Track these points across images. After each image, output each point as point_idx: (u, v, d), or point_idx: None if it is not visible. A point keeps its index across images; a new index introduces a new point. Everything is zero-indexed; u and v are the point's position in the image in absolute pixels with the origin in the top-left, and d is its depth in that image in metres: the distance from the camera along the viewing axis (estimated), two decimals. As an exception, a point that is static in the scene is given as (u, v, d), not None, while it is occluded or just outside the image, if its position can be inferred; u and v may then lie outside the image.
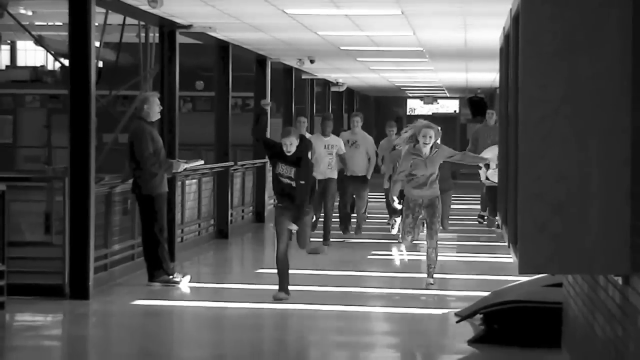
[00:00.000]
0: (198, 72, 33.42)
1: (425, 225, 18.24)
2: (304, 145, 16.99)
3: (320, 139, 24.74)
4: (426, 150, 18.31)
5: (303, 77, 37.92)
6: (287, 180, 16.31)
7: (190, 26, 21.27)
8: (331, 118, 25.95)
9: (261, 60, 29.69)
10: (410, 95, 56.23)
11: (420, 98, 57.48)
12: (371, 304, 15.43)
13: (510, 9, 9.79)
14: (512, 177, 9.17)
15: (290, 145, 16.16)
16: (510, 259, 9.84)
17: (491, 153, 21.25)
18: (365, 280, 18.27)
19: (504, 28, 11.24)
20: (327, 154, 24.60)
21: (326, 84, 43.70)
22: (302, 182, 16.27)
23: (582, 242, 8.15)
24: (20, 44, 31.27)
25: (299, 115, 29.41)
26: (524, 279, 12.67)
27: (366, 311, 12.84)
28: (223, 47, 25.76)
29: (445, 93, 53.81)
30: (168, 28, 21.24)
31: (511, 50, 9.86)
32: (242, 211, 27.77)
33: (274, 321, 14.85)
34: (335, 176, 25.18)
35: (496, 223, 23.59)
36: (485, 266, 19.59)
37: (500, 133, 12.23)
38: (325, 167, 24.37)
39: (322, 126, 25.30)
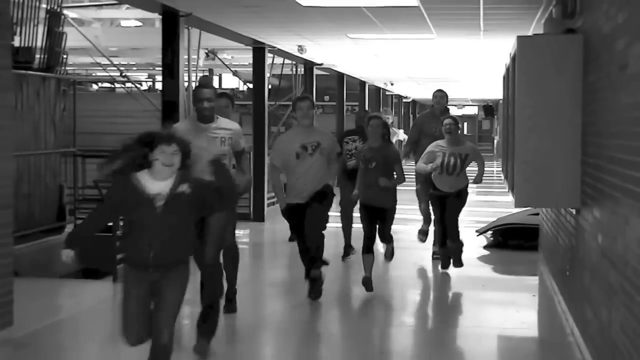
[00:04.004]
0: (326, 90, 33.31)
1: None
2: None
3: (198, 127, 7.46)
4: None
5: (387, 93, 37.81)
6: None
7: (322, 64, 21.32)
8: (210, 85, 7.86)
9: (362, 83, 29.61)
10: (449, 104, 55.79)
11: (454, 105, 56.90)
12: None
13: (510, 53, 9.74)
14: (511, 151, 9.15)
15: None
16: (509, 199, 9.76)
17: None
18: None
19: (505, 64, 11.17)
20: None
21: (400, 97, 43.57)
22: None
23: (551, 189, 8.13)
24: (224, 75, 31.37)
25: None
26: (516, 210, 12.59)
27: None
28: (340, 75, 25.79)
29: (469, 102, 53.35)
30: (309, 65, 21.33)
31: (510, 77, 9.81)
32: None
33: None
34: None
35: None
36: (495, 203, 19.44)
37: (504, 126, 12.18)
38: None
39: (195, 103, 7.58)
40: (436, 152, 10.72)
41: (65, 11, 16.03)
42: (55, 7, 14.57)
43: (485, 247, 13.13)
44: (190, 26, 14.19)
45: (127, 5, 18.18)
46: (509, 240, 13.10)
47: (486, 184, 26.94)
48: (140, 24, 21.83)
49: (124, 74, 22.63)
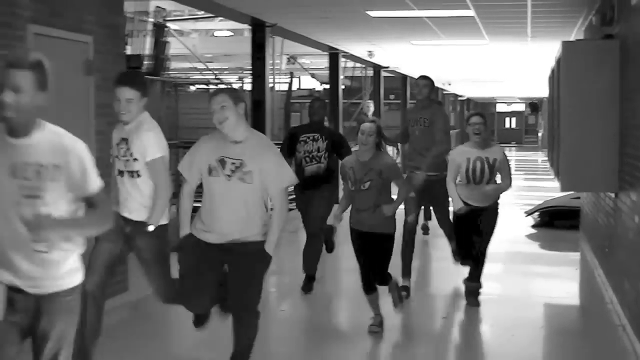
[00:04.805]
0: (392, 90, 33.20)
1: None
2: None
3: (4, 144, 3.44)
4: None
5: (444, 92, 37.53)
6: None
7: (387, 67, 21.23)
8: (24, 64, 3.30)
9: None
10: (498, 101, 55.15)
11: (504, 102, 56.25)
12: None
13: (555, 56, 9.60)
14: (557, 142, 9.03)
15: None
16: (554, 184, 9.61)
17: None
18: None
19: (551, 67, 11.01)
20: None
21: (456, 96, 43.21)
22: None
23: (592, 175, 8.01)
24: (303, 77, 31.46)
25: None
26: (560, 194, 12.43)
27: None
28: (404, 77, 25.66)
29: (517, 100, 52.74)
30: (377, 68, 21.26)
31: (555, 77, 9.67)
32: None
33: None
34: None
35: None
36: (541, 188, 19.19)
37: (549, 121, 12.02)
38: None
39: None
40: (458, 162, 7.44)
41: (168, 24, 16.23)
42: (160, 21, 14.78)
43: (533, 227, 12.99)
44: (275, 35, 14.25)
45: (221, 18, 18.33)
46: (554, 221, 12.95)
47: (533, 171, 26.68)
48: (231, 33, 21.98)
49: (217, 77, 22.85)
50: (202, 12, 17.77)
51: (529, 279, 9.38)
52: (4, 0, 6.01)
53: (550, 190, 16.48)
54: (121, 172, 5.37)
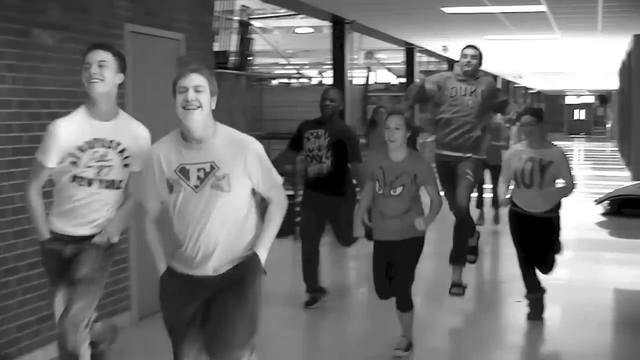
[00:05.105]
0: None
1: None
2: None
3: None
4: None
5: (515, 85, 37.00)
6: None
7: (461, 61, 21.04)
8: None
9: (494, 77, 29.09)
10: (568, 93, 54.07)
11: (574, 94, 55.10)
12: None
13: (626, 50, 9.39)
14: (628, 133, 8.84)
15: None
16: (624, 174, 9.37)
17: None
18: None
19: (622, 60, 10.78)
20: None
21: (526, 88, 42.59)
22: None
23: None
24: (379, 71, 31.44)
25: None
26: (630, 183, 12.16)
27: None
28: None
29: (585, 92, 51.68)
30: (451, 62, 21.06)
31: (626, 70, 9.46)
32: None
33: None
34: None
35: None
36: (610, 177, 18.75)
37: (619, 112, 11.77)
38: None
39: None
40: (511, 163, 6.28)
41: (252, 21, 16.36)
42: (245, 19, 14.91)
43: (602, 215, 12.74)
44: (354, 31, 14.24)
45: (302, 15, 18.40)
46: (622, 209, 12.68)
47: (601, 161, 26.11)
48: (312, 30, 22.04)
49: (298, 72, 22.97)
50: (284, 10, 17.87)
51: (598, 266, 9.21)
52: (103, 2, 6.16)
53: (618, 179, 16.13)
54: (86, 181, 4.05)
